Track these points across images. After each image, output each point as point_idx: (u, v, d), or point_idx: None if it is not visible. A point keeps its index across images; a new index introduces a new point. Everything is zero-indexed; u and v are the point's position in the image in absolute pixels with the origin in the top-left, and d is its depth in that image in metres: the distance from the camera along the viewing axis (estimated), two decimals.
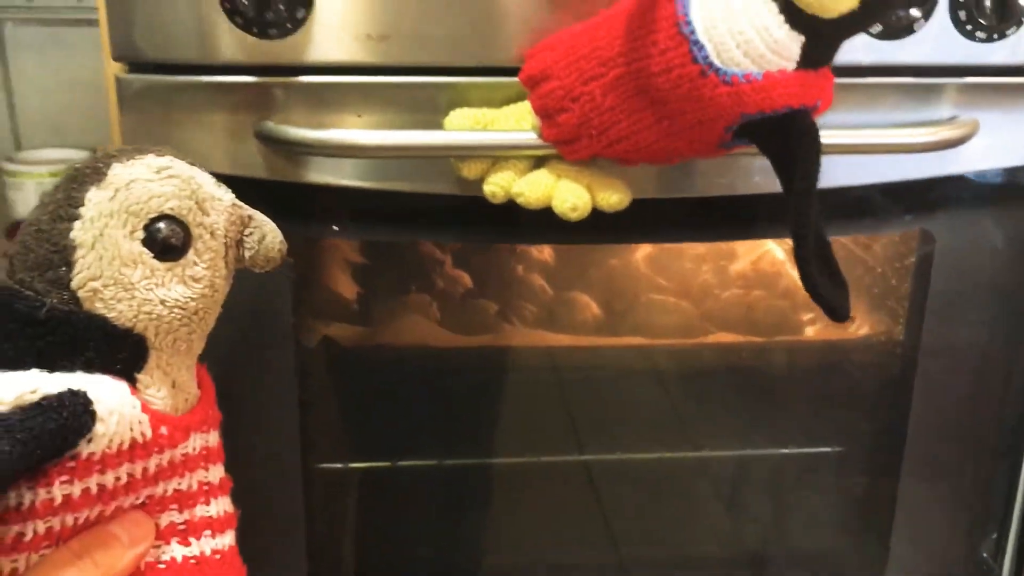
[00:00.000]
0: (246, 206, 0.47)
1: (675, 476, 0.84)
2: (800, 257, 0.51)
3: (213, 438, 0.47)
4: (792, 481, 0.84)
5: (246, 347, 0.66)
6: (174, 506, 0.44)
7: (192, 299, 0.43)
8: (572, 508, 0.83)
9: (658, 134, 0.55)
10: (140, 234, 0.41)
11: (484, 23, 0.59)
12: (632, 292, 0.84)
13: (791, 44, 0.49)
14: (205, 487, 0.46)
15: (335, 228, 0.66)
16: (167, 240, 0.42)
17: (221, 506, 0.47)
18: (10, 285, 0.41)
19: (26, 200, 1.08)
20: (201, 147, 0.60)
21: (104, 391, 0.39)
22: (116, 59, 0.59)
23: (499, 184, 0.59)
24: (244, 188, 0.61)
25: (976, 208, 0.69)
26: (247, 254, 0.46)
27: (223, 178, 0.48)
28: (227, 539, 0.47)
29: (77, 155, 1.09)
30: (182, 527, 0.44)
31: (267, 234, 0.46)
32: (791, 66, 0.50)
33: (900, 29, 0.59)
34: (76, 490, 0.39)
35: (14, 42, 1.14)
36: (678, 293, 0.84)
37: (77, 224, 0.41)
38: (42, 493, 0.38)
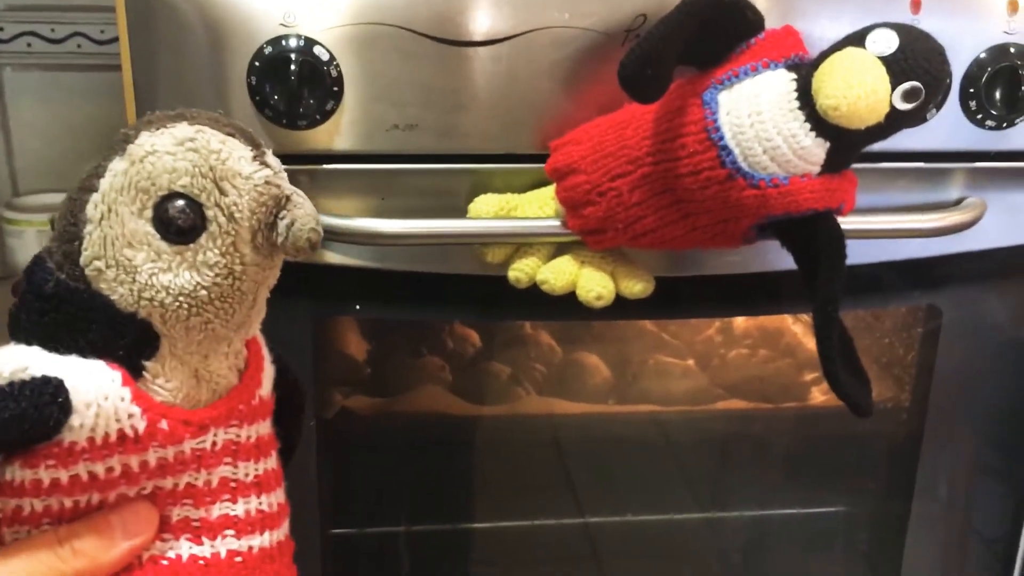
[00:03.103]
0: (286, 184, 0.41)
1: (681, 537, 0.85)
2: (825, 356, 0.52)
3: (248, 433, 0.43)
4: (798, 541, 0.86)
5: None
6: (187, 501, 0.42)
7: (203, 287, 0.39)
8: (580, 571, 0.84)
9: (683, 229, 0.56)
10: (149, 213, 0.38)
11: (509, 114, 0.59)
12: (640, 354, 0.85)
13: (817, 150, 0.51)
14: (232, 484, 0.43)
15: (357, 307, 0.66)
16: (175, 221, 0.38)
17: (253, 505, 0.43)
18: (40, 253, 0.40)
19: (26, 248, 1.07)
20: None
21: (86, 380, 0.38)
22: None
23: (523, 271, 0.60)
24: None
25: (982, 283, 0.70)
26: (277, 239, 0.40)
27: None
28: (256, 540, 0.43)
29: None
30: (196, 524, 0.42)
31: (297, 219, 0.40)
32: (816, 170, 0.51)
33: None
34: (63, 476, 0.38)
35: (13, 86, 1.13)
36: (686, 354, 0.86)
37: (93, 197, 0.38)
38: (29, 473, 0.38)
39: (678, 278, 0.64)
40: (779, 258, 0.58)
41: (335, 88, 0.57)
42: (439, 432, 0.81)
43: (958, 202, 0.65)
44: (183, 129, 0.39)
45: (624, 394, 0.85)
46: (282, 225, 0.40)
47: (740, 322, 0.87)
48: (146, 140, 0.38)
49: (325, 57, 0.56)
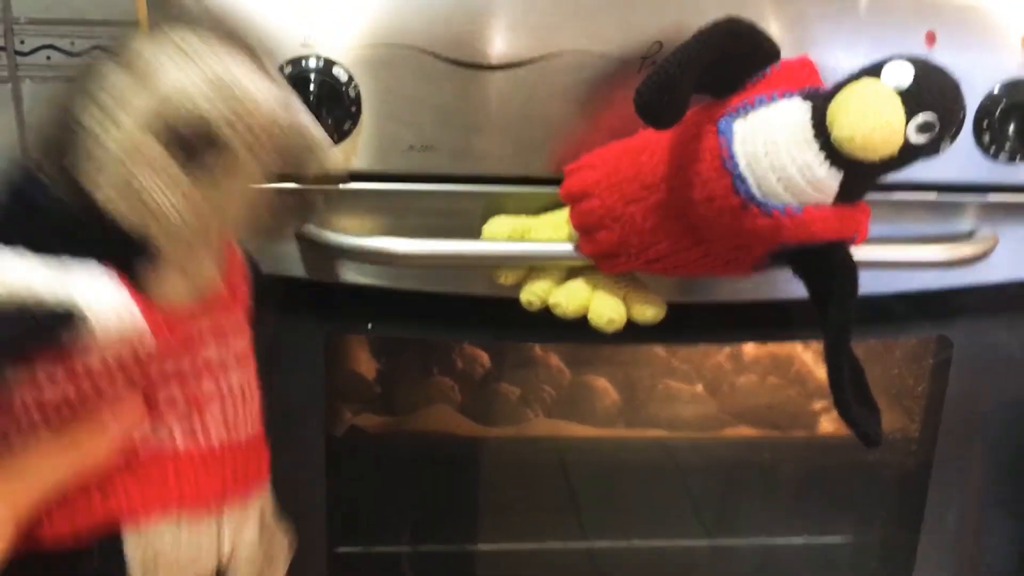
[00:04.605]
0: (295, 107, 0.41)
1: (686, 563, 0.85)
2: (835, 385, 0.52)
3: (231, 319, 0.44)
4: (805, 570, 0.85)
5: (276, 436, 0.66)
6: (176, 385, 0.42)
7: (208, 206, 0.39)
8: None
9: (697, 256, 0.56)
10: (160, 135, 0.37)
11: (524, 137, 0.60)
12: (649, 379, 0.85)
13: (830, 181, 0.51)
14: (216, 365, 0.44)
15: (369, 326, 0.67)
16: (184, 142, 0.37)
17: (235, 382, 0.44)
18: (25, 164, 0.38)
19: None
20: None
21: (96, 292, 0.37)
22: None
23: (536, 293, 0.60)
24: (281, 285, 0.62)
25: (993, 316, 0.70)
26: (285, 162, 0.40)
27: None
28: (241, 415, 0.44)
29: None
30: (183, 405, 0.43)
31: (309, 146, 0.41)
32: (830, 200, 0.52)
33: None
34: (66, 380, 0.39)
35: (32, 99, 1.14)
36: (695, 380, 0.86)
37: (94, 110, 0.37)
38: (30, 380, 0.38)
39: (689, 304, 0.65)
40: (790, 286, 0.58)
41: (353, 108, 0.57)
42: (447, 452, 0.81)
43: (970, 234, 0.65)
44: (186, 37, 0.38)
45: (632, 418, 0.85)
46: (292, 148, 0.40)
47: (750, 349, 0.87)
48: (144, 46, 0.37)
49: (344, 78, 0.57)
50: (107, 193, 0.38)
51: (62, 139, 0.37)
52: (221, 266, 0.44)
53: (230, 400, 0.44)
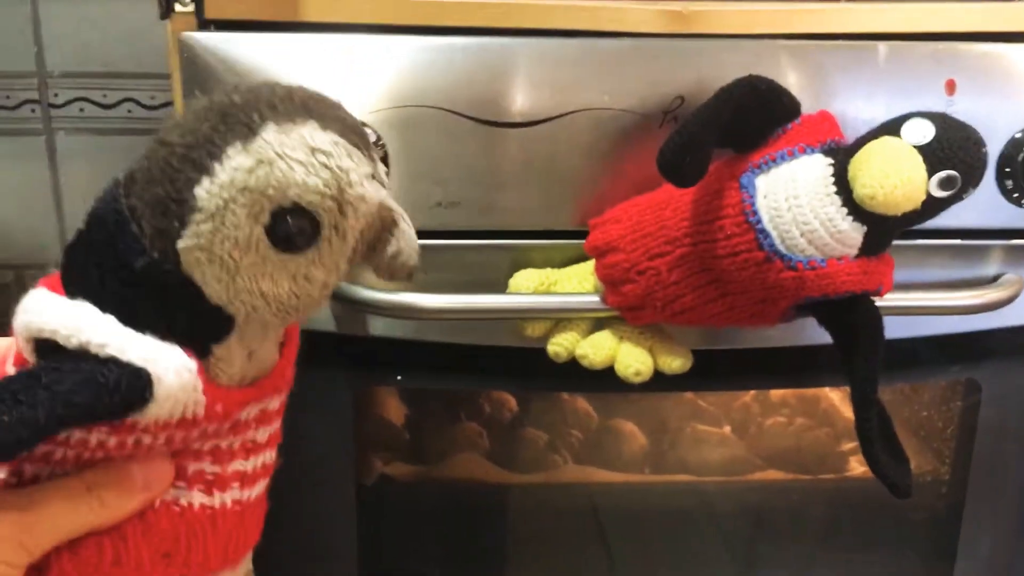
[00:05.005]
0: (396, 208, 0.40)
1: None
2: (863, 437, 0.52)
3: (275, 403, 0.44)
4: None
5: (308, 487, 0.67)
6: (208, 459, 0.42)
7: (297, 297, 0.39)
8: None
9: (721, 308, 0.56)
10: (265, 219, 0.37)
11: (549, 191, 0.61)
12: (677, 422, 0.85)
13: (854, 234, 0.51)
14: (249, 445, 0.43)
15: (399, 378, 0.67)
16: (290, 235, 0.37)
17: (260, 460, 0.44)
18: (123, 212, 0.37)
19: None
20: None
21: (171, 372, 0.37)
22: None
23: (563, 345, 0.61)
24: (311, 339, 0.63)
25: (1021, 357, 0.70)
26: (375, 261, 0.40)
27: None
28: (254, 491, 0.44)
29: None
30: (210, 478, 0.42)
31: (402, 252, 0.40)
32: (853, 253, 0.52)
33: None
34: (112, 441, 0.38)
35: (65, 150, 1.16)
36: (723, 422, 0.86)
37: (206, 182, 0.36)
38: (78, 434, 0.38)
39: (715, 351, 0.65)
40: (816, 332, 0.58)
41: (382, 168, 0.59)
42: (476, 500, 0.81)
43: (995, 278, 0.65)
44: (316, 135, 0.37)
45: (660, 462, 0.86)
46: (388, 252, 0.40)
47: (777, 390, 0.87)
48: (275, 138, 0.36)
49: (372, 138, 0.58)
50: (203, 268, 0.37)
51: (166, 202, 0.37)
52: (279, 342, 0.43)
53: (251, 477, 0.44)
